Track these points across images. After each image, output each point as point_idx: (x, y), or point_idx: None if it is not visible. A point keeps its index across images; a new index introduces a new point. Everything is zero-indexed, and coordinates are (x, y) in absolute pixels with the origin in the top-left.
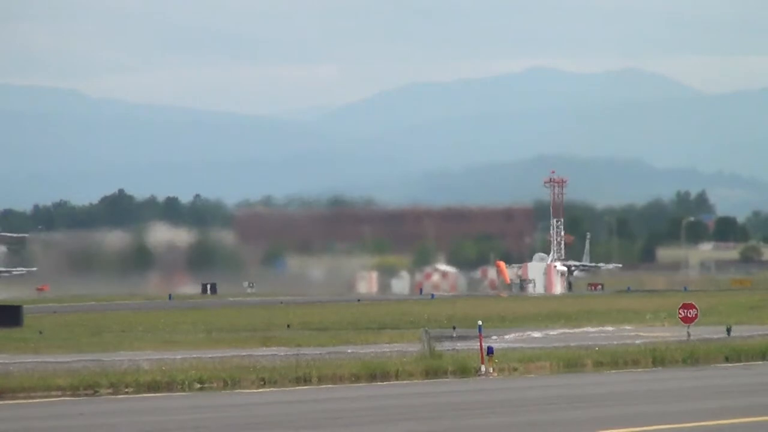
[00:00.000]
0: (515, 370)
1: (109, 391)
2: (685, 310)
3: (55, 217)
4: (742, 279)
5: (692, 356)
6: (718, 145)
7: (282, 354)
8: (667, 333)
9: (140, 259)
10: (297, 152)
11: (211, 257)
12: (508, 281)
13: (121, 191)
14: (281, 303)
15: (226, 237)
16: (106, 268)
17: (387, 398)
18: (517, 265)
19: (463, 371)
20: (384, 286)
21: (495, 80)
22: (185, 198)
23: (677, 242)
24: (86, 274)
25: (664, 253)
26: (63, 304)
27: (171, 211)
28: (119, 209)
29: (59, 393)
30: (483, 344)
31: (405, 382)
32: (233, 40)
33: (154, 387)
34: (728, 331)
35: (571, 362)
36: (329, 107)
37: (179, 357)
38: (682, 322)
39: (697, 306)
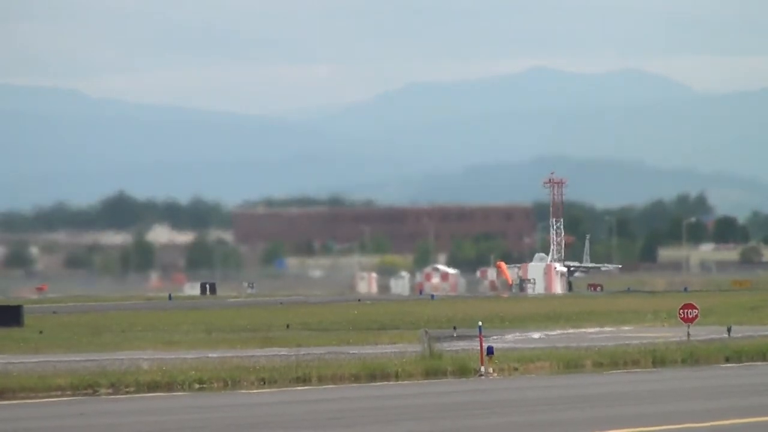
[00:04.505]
0: (515, 370)
1: (109, 391)
2: (686, 311)
3: (54, 217)
4: (742, 280)
5: (692, 357)
6: (718, 145)
7: (282, 354)
8: (667, 333)
9: (140, 259)
10: (297, 152)
11: (211, 257)
12: (511, 281)
13: (121, 191)
14: (281, 303)
15: (225, 237)
16: (105, 269)
17: (387, 398)
18: (517, 265)
19: (463, 371)
20: (384, 287)
21: (495, 80)
22: (185, 198)
23: (677, 243)
24: (86, 274)
25: (665, 254)
26: (63, 304)
27: (171, 211)
28: (119, 209)
29: (59, 393)
30: (483, 344)
31: (405, 382)
32: (233, 40)
33: (154, 387)
34: (728, 331)
35: (570, 362)
36: (329, 107)
37: (179, 357)
38: (682, 323)
39: (697, 306)
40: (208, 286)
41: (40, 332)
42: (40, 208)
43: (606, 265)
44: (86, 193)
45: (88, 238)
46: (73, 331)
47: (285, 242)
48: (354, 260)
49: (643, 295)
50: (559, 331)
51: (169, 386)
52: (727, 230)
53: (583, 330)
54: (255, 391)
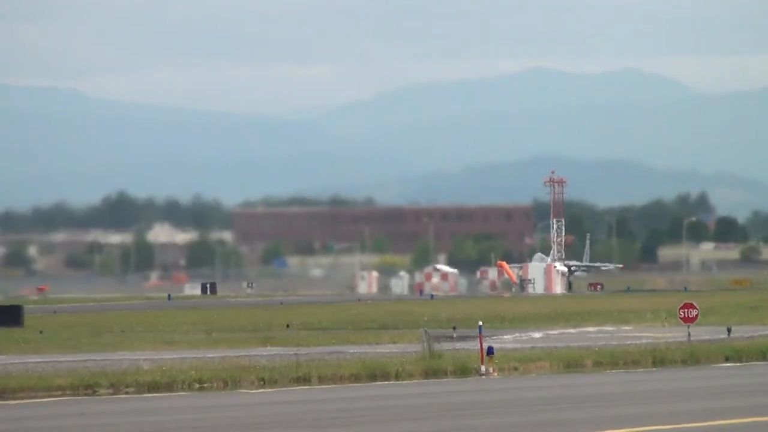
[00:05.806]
0: (515, 370)
1: (109, 391)
2: (686, 310)
3: (54, 217)
4: (742, 279)
5: (692, 356)
6: (718, 145)
7: (282, 354)
8: (667, 333)
9: (140, 259)
10: (297, 152)
11: (211, 257)
12: (515, 280)
13: (121, 191)
14: (281, 303)
15: (225, 237)
16: (105, 269)
17: (387, 398)
18: (517, 265)
19: (463, 371)
20: (384, 286)
21: (495, 80)
22: (185, 198)
23: (678, 242)
24: (86, 275)
25: (665, 253)
26: (63, 305)
27: (171, 211)
28: (119, 209)
29: (59, 393)
30: (483, 344)
31: (405, 382)
32: (233, 40)
33: (154, 387)
34: (728, 331)
35: (571, 362)
36: (329, 107)
37: (179, 357)
38: (682, 322)
39: (697, 306)
40: (208, 285)
41: (40, 332)
42: (40, 208)
43: (606, 264)
44: (86, 193)
45: (88, 238)
46: (73, 331)
47: (285, 242)
48: (354, 260)
49: (643, 295)
50: (559, 331)
51: (169, 386)
52: (727, 230)
53: (584, 329)
54: (255, 391)
